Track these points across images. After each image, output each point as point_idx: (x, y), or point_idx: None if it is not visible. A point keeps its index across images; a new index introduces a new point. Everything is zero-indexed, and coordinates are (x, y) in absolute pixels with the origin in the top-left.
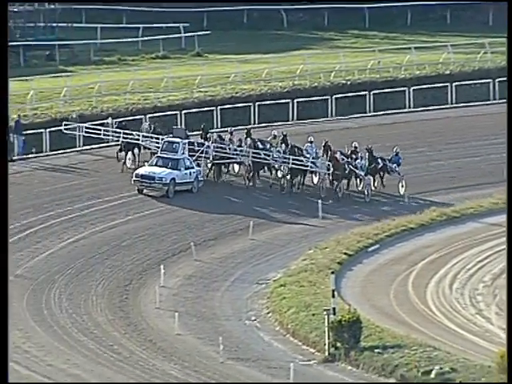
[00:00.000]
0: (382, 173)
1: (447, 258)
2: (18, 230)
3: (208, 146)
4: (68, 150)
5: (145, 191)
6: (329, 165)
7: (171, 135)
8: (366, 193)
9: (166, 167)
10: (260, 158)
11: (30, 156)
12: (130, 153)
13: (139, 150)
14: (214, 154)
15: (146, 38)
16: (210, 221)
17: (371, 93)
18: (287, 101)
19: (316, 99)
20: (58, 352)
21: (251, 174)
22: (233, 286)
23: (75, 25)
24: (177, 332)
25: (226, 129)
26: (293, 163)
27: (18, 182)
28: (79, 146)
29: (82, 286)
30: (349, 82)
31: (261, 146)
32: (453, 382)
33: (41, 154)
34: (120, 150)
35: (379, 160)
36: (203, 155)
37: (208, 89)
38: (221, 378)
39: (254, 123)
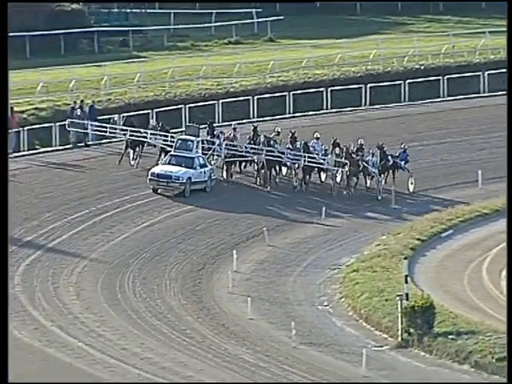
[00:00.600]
0: (392, 170)
1: None
2: (92, 215)
3: (220, 144)
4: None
5: (159, 191)
6: (346, 162)
7: (182, 133)
8: (378, 190)
9: (180, 166)
10: (274, 156)
11: (104, 141)
12: (133, 150)
13: (142, 148)
14: (226, 152)
15: (218, 24)
16: (283, 205)
17: (445, 77)
18: (360, 86)
19: (389, 84)
20: (131, 336)
21: (265, 173)
22: (305, 271)
23: (149, 10)
24: (249, 317)
25: (298, 114)
26: (305, 160)
27: (92, 167)
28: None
29: (155, 270)
30: (422, 67)
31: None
32: None
33: (114, 139)
34: (126, 148)
35: (389, 157)
36: (215, 153)
37: (280, 74)
38: (293, 362)
39: (327, 108)
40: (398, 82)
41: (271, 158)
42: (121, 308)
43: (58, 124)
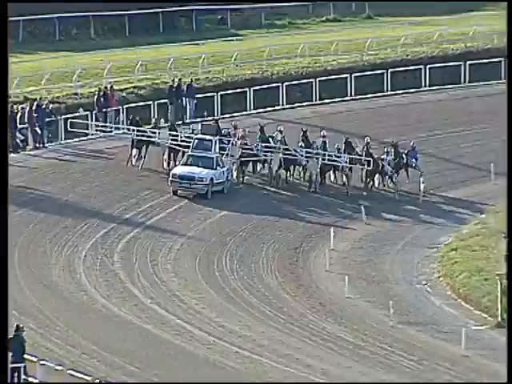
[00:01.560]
0: (406, 168)
1: None
2: None
3: (233, 143)
4: (239, 114)
5: (179, 192)
6: (369, 161)
7: (195, 131)
8: (396, 190)
9: (200, 166)
10: (290, 155)
11: (201, 119)
12: (138, 150)
13: (147, 148)
14: (241, 152)
15: (316, 2)
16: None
17: None
18: (459, 63)
19: (489, 61)
20: (229, 313)
21: (280, 174)
22: (403, 249)
23: None
24: (347, 295)
25: (395, 92)
26: (324, 160)
27: None
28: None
29: (252, 248)
30: None
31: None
32: None
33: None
34: (131, 147)
35: (403, 156)
36: (229, 153)
37: (378, 51)
38: (392, 341)
39: (425, 86)
40: (497, 60)
41: (291, 157)
42: (218, 286)
43: (156, 102)
